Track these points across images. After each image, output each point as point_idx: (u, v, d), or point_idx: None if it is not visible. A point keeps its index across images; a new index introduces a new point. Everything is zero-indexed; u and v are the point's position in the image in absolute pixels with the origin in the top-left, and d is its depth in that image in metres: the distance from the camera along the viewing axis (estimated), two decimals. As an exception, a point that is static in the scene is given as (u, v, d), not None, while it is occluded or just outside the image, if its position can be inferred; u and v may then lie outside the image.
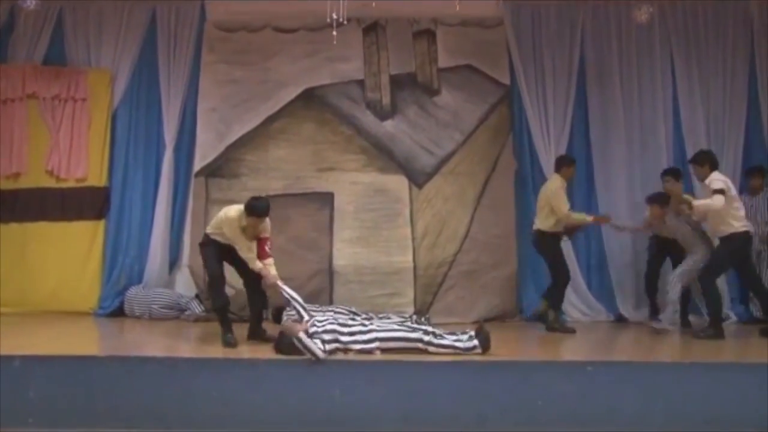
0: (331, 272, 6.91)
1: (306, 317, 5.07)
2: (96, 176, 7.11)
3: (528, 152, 7.25)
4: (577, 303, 7.02)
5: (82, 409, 4.27)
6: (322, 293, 6.86)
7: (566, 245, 6.65)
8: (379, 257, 6.90)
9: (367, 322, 5.11)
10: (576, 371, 4.54)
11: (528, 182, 7.19)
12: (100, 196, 7.11)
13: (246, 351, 5.14)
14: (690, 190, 6.69)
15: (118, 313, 6.89)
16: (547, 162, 7.17)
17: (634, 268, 7.05)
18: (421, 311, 6.59)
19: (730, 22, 7.20)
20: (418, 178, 7.02)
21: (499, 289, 6.97)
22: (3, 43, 7.19)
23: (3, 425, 4.08)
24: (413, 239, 6.94)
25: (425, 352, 4.74)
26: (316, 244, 6.97)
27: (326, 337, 4.71)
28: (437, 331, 4.93)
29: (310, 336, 4.66)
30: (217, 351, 5.10)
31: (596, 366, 4.53)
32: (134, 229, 7.18)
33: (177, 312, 6.81)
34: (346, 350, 4.73)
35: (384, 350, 4.73)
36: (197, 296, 6.93)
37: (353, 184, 7.02)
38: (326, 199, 7.02)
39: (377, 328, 4.88)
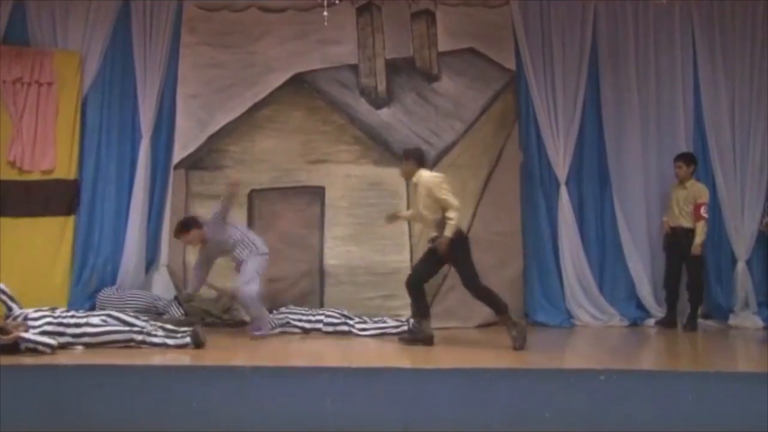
0: (321, 272, 6.88)
1: (16, 312, 5.26)
2: (65, 168, 7.03)
3: (535, 143, 7.24)
4: (588, 306, 7.03)
5: (49, 423, 4.21)
6: (311, 295, 6.83)
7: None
8: (374, 256, 6.88)
9: (81, 322, 5.22)
10: (587, 380, 4.50)
11: (535, 176, 7.19)
12: (70, 189, 7.03)
13: (228, 358, 5.10)
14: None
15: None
16: (556, 154, 7.16)
17: (653, 269, 7.05)
18: (419, 315, 6.55)
19: (759, 3, 7.14)
20: (416, 171, 6.98)
21: (503, 291, 6.80)
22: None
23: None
24: (410, 237, 6.90)
25: (140, 348, 5.02)
26: (305, 242, 6.93)
27: (41, 339, 4.94)
28: (151, 329, 5.19)
29: (20, 343, 4.87)
30: (197, 358, 5.06)
31: (609, 375, 4.50)
32: (107, 225, 7.11)
33: (154, 316, 6.74)
34: (64, 348, 5.01)
35: (94, 345, 5.03)
36: (176, 298, 6.88)
37: (346, 178, 6.99)
38: (317, 193, 6.99)
39: (90, 331, 5.10)
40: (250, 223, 6.96)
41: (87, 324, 5.14)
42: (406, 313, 6.62)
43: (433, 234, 5.62)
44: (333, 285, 6.84)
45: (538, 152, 7.22)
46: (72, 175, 7.06)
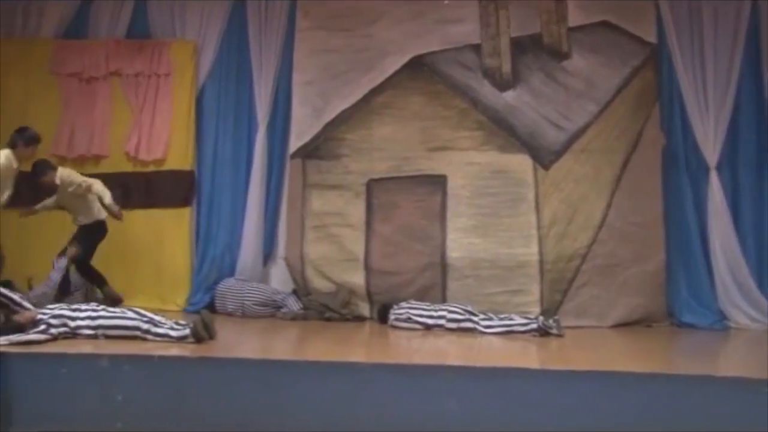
0: (443, 266, 6.85)
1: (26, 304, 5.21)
2: (181, 158, 7.26)
3: (679, 124, 6.93)
4: (744, 306, 6.63)
5: (172, 414, 4.37)
6: (433, 289, 6.82)
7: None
8: (499, 249, 6.79)
9: (99, 308, 5.19)
10: (746, 390, 4.17)
11: (680, 160, 6.88)
12: (186, 180, 7.27)
13: (347, 354, 5.13)
14: None
15: (209, 308, 7.05)
16: (705, 135, 6.77)
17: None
18: (549, 311, 6.40)
19: None
20: (544, 158, 6.85)
21: (642, 287, 6.71)
22: (83, 16, 7.47)
23: (91, 430, 4.27)
24: (539, 228, 6.78)
25: (144, 340, 4.96)
26: (426, 234, 6.92)
27: (54, 321, 4.96)
28: (159, 319, 5.09)
29: (36, 322, 4.92)
30: (316, 353, 5.12)
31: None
32: (224, 216, 7.32)
33: (272, 309, 6.91)
34: (75, 335, 4.99)
35: (108, 337, 5.00)
36: (295, 292, 7.01)
37: (469, 165, 6.93)
38: (438, 182, 6.95)
39: (105, 314, 5.09)
40: (369, 214, 7.01)
41: (103, 314, 5.14)
42: (535, 310, 6.50)
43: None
44: (456, 279, 6.81)
45: (683, 134, 6.89)
46: (188, 165, 7.29)
